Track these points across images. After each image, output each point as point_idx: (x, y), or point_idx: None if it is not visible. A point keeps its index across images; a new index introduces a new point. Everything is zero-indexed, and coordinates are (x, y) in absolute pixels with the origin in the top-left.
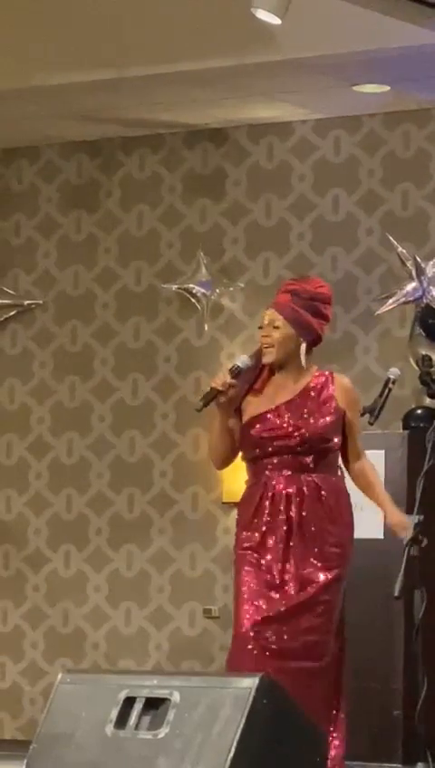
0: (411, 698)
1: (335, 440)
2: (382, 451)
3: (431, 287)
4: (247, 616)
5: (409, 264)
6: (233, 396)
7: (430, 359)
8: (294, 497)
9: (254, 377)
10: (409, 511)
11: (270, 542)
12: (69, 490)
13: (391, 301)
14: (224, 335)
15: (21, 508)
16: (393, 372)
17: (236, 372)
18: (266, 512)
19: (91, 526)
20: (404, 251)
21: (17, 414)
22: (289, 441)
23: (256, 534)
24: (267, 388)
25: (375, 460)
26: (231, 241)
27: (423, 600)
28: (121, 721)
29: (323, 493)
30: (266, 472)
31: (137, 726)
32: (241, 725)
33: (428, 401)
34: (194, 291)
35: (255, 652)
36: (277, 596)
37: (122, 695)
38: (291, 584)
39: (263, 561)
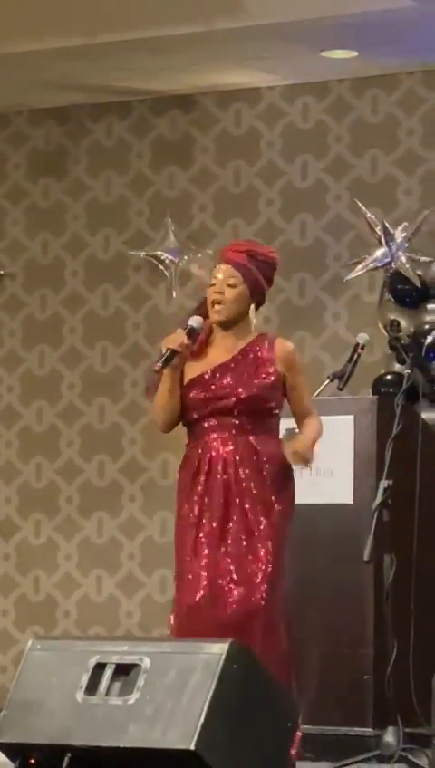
0: (381, 663)
1: (273, 404)
2: (352, 416)
3: (400, 253)
4: (191, 589)
5: (378, 229)
6: (186, 357)
7: (399, 324)
8: (232, 459)
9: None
10: (378, 475)
11: (209, 507)
12: (39, 458)
13: (360, 266)
14: (193, 302)
15: None
16: (362, 338)
17: (190, 333)
18: (204, 475)
19: (62, 494)
20: (373, 217)
21: None
22: (226, 403)
23: (196, 498)
24: (207, 349)
25: (344, 425)
26: (199, 208)
27: (393, 564)
28: (92, 687)
29: (263, 456)
30: (205, 435)
31: (107, 692)
32: (211, 691)
33: (397, 366)
34: (162, 258)
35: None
36: (217, 569)
37: (93, 661)
38: (230, 555)
39: (202, 531)
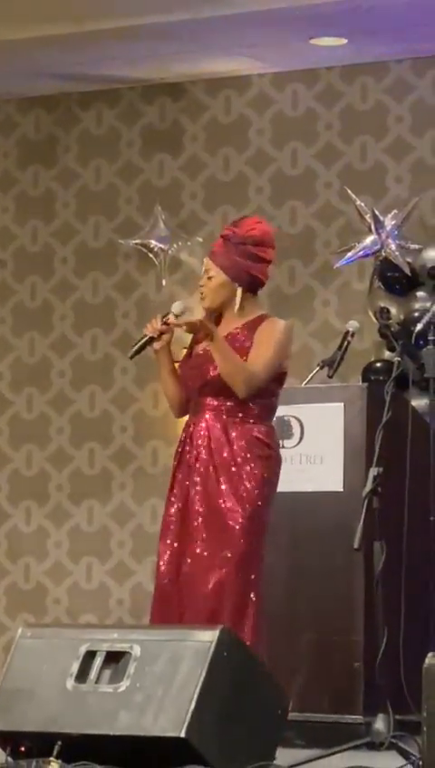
0: (371, 650)
1: None
2: (341, 404)
3: (390, 240)
4: (157, 571)
5: (367, 217)
6: (168, 341)
7: (389, 311)
8: (202, 439)
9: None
10: (368, 463)
11: (179, 487)
12: (29, 446)
13: (349, 254)
14: (182, 290)
15: None
16: (352, 325)
17: (168, 319)
18: (178, 455)
19: (52, 482)
20: (363, 204)
21: None
22: (199, 381)
23: (172, 478)
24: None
25: (334, 413)
26: (189, 195)
27: (383, 551)
28: (82, 675)
29: (234, 437)
30: (190, 415)
31: (98, 680)
32: (202, 678)
33: (387, 354)
34: (152, 246)
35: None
36: (180, 551)
37: (83, 649)
38: (193, 539)
39: (170, 512)
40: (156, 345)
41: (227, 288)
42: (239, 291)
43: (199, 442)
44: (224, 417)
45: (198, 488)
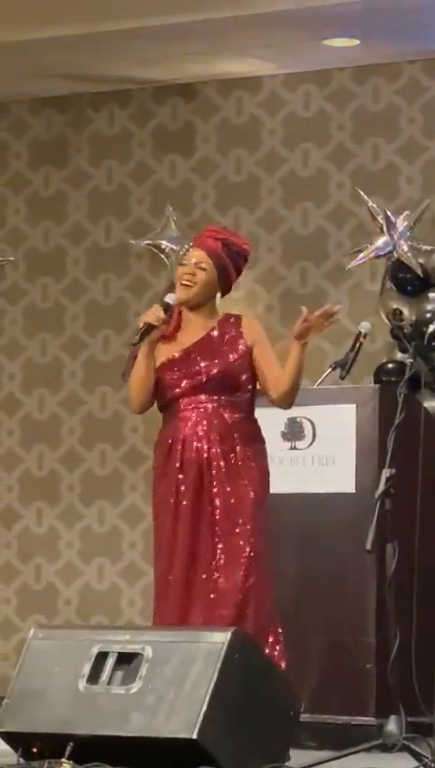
0: (384, 652)
1: (243, 377)
2: (354, 405)
3: (402, 241)
4: (164, 571)
5: (379, 218)
6: (159, 335)
7: (401, 312)
8: (205, 437)
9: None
10: (380, 464)
11: (182, 487)
12: (40, 447)
13: (361, 255)
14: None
15: None
16: (364, 326)
17: (166, 308)
18: (178, 454)
19: (63, 483)
20: (375, 205)
21: None
22: (198, 381)
23: (171, 476)
24: (177, 333)
25: (346, 414)
26: (201, 196)
27: (395, 553)
28: (94, 676)
29: (236, 435)
30: (179, 414)
31: (109, 681)
32: (214, 680)
33: (399, 355)
34: (163, 246)
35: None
36: (192, 549)
37: (95, 650)
38: (205, 536)
39: (178, 510)
40: (154, 334)
41: (212, 287)
42: (219, 294)
43: (204, 437)
44: (221, 412)
45: (213, 485)
